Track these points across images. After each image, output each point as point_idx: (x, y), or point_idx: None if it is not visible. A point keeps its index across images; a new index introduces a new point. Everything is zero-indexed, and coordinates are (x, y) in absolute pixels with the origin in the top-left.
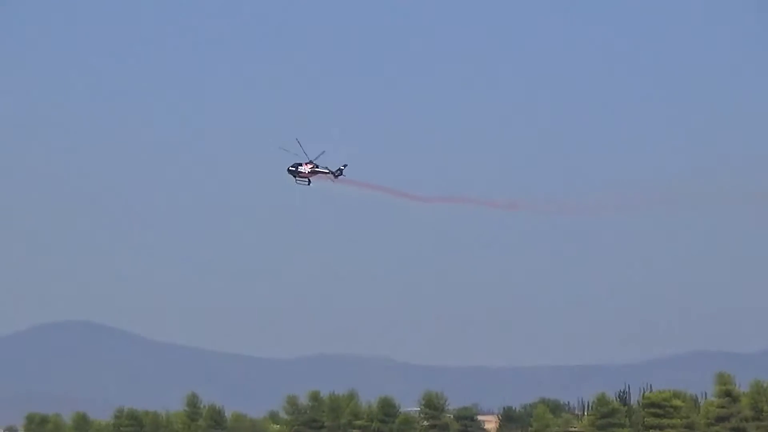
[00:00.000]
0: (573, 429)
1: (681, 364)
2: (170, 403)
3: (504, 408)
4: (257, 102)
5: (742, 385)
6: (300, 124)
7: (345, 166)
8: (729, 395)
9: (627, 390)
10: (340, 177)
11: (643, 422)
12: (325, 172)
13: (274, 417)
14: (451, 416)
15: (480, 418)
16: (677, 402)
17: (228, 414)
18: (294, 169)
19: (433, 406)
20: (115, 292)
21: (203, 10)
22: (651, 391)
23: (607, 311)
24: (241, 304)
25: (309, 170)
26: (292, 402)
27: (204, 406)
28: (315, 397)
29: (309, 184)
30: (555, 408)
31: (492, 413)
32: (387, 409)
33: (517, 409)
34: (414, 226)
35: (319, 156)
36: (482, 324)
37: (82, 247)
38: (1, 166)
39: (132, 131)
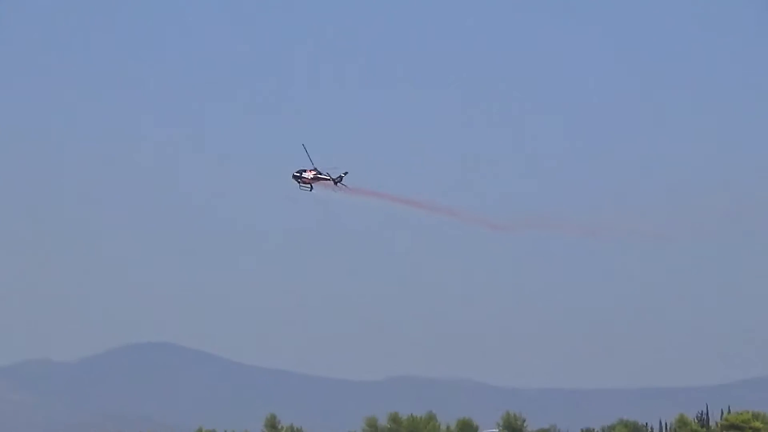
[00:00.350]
0: None
1: (760, 386)
2: (250, 425)
3: (583, 429)
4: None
5: None
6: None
7: (345, 173)
8: None
9: (706, 411)
10: (339, 184)
11: None
12: (326, 179)
13: None
14: None
15: None
16: (757, 423)
17: None
18: (298, 175)
19: (512, 427)
20: (195, 313)
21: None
22: (730, 412)
23: (685, 333)
24: (320, 326)
25: (311, 176)
26: (371, 424)
27: (283, 427)
28: (394, 419)
29: (311, 190)
30: (635, 429)
31: None
32: (466, 430)
33: (597, 431)
34: (491, 251)
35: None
36: (561, 345)
37: (162, 268)
38: (93, 197)
39: (212, 153)
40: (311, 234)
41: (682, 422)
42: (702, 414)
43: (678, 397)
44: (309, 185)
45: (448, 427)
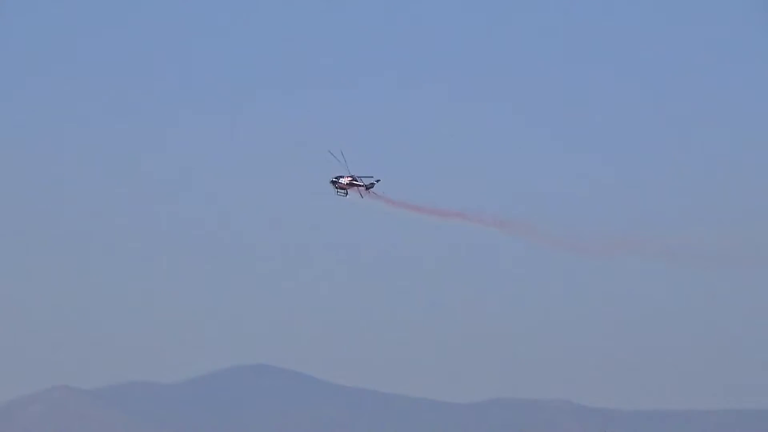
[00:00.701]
0: None
1: None
2: None
3: None
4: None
5: None
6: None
7: (378, 181)
8: None
9: None
10: (371, 191)
11: None
12: (359, 185)
13: None
14: None
15: None
16: None
17: None
18: (336, 180)
19: None
20: (292, 334)
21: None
22: None
23: None
24: (418, 347)
25: (347, 182)
26: None
27: None
28: None
29: (346, 196)
30: None
31: None
32: None
33: None
34: (581, 273)
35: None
36: (658, 366)
37: (257, 288)
38: (178, 230)
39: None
40: (401, 253)
41: None
42: None
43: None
44: (345, 191)
45: None
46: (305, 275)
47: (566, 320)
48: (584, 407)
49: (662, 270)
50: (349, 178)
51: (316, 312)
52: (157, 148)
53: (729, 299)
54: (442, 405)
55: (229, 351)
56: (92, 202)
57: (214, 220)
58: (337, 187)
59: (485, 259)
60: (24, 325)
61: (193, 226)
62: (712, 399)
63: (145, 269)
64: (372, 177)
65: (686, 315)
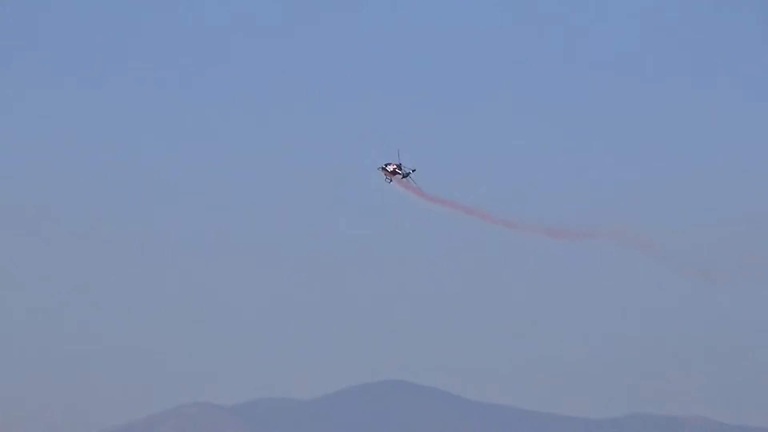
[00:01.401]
0: None
1: None
2: None
3: None
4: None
5: None
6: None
7: (414, 170)
8: None
9: None
10: (407, 179)
11: None
12: (399, 173)
13: None
14: None
15: None
16: None
17: None
18: (383, 167)
19: None
20: (428, 349)
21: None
22: None
23: None
24: (554, 363)
25: (391, 170)
26: None
27: None
28: None
29: (390, 182)
30: None
31: None
32: None
33: None
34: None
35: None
36: None
37: (392, 303)
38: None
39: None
40: (532, 271)
41: None
42: None
43: None
44: (389, 178)
45: None
46: (440, 288)
47: (703, 335)
48: (722, 424)
49: None
50: (394, 166)
51: (454, 326)
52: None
53: None
54: (578, 420)
55: (365, 367)
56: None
57: (317, 232)
58: (384, 174)
59: (622, 279)
60: (162, 340)
61: (304, 237)
62: None
63: (277, 286)
64: (411, 167)
65: None
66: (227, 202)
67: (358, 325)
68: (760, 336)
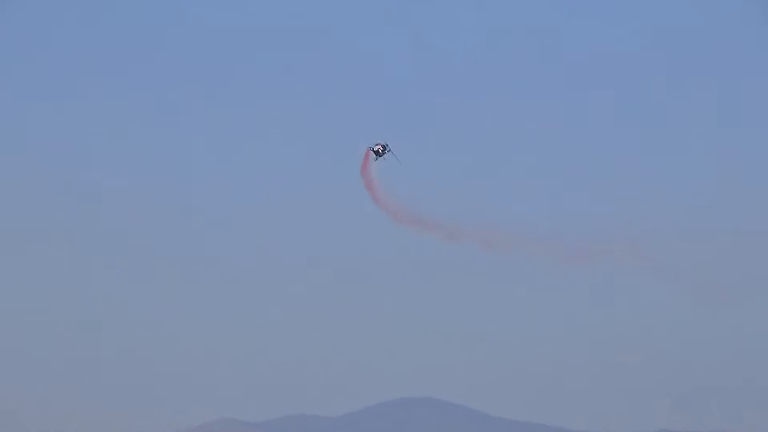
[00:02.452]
0: None
1: None
2: None
3: None
4: None
5: None
6: None
7: (386, 148)
8: None
9: None
10: (381, 158)
11: None
12: (388, 152)
13: None
14: None
15: None
16: None
17: None
18: (372, 148)
19: None
20: (455, 366)
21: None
22: None
23: None
24: (591, 381)
25: (377, 149)
26: None
27: None
28: None
29: (375, 160)
30: None
31: None
32: None
33: None
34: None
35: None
36: None
37: (417, 318)
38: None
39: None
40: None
41: None
42: None
43: None
44: (375, 156)
45: None
46: (467, 305)
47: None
48: None
49: None
50: (380, 146)
51: (482, 342)
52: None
53: None
54: None
55: (393, 383)
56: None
57: (344, 247)
58: (375, 153)
59: (639, 298)
60: (188, 354)
61: (330, 251)
62: None
63: (305, 302)
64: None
65: None
66: (254, 214)
67: (386, 341)
68: None
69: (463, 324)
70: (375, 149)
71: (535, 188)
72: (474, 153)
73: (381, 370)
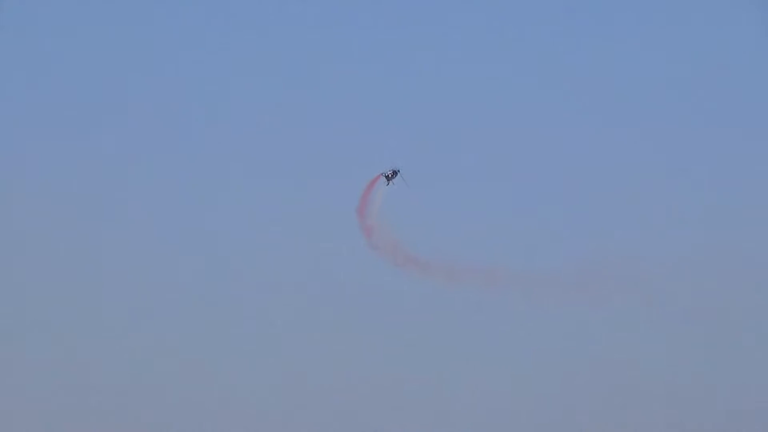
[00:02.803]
0: None
1: None
2: None
3: None
4: None
5: None
6: None
7: (399, 173)
8: None
9: None
10: (391, 182)
11: None
12: (397, 175)
13: None
14: None
15: None
16: None
17: None
18: (384, 174)
19: None
20: (450, 411)
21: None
22: None
23: None
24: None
25: (389, 174)
26: None
27: None
28: None
29: (387, 185)
30: None
31: None
32: None
33: None
34: None
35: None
36: None
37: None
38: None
39: None
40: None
41: None
42: None
43: None
44: (387, 182)
45: None
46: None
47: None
48: None
49: None
50: (390, 172)
51: (481, 390)
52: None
53: None
54: None
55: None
56: None
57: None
58: (387, 178)
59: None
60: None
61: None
62: None
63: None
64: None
65: None
66: (236, 247)
67: (376, 388)
68: None
69: (455, 378)
70: (387, 174)
71: (536, 222)
72: (473, 187)
73: (370, 418)
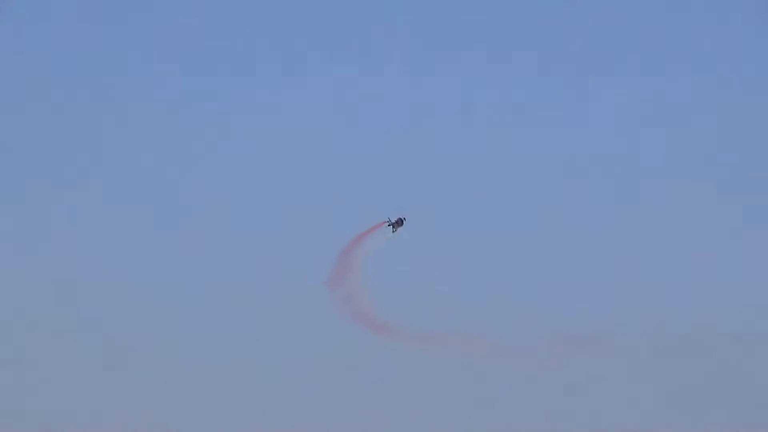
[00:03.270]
0: None
1: None
2: None
3: None
4: None
5: None
6: None
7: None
8: None
9: None
10: (397, 229)
11: None
12: (401, 223)
13: None
14: None
15: None
16: None
17: None
18: (389, 221)
19: None
20: None
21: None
22: None
23: None
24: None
25: (395, 221)
26: None
27: None
28: None
29: (393, 232)
30: None
31: None
32: None
33: None
34: None
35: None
36: None
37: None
38: None
39: None
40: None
41: None
42: None
43: None
44: (394, 228)
45: None
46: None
47: None
48: None
49: None
50: (395, 220)
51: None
52: None
53: None
54: None
55: None
56: None
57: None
58: (392, 227)
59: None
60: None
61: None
62: None
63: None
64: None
65: None
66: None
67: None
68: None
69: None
70: (392, 222)
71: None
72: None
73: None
